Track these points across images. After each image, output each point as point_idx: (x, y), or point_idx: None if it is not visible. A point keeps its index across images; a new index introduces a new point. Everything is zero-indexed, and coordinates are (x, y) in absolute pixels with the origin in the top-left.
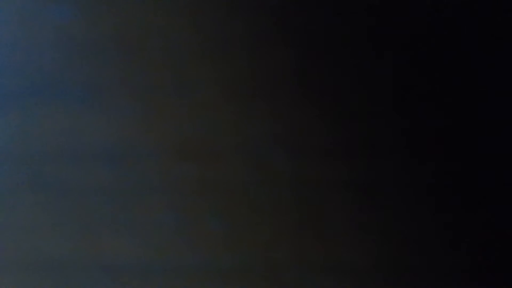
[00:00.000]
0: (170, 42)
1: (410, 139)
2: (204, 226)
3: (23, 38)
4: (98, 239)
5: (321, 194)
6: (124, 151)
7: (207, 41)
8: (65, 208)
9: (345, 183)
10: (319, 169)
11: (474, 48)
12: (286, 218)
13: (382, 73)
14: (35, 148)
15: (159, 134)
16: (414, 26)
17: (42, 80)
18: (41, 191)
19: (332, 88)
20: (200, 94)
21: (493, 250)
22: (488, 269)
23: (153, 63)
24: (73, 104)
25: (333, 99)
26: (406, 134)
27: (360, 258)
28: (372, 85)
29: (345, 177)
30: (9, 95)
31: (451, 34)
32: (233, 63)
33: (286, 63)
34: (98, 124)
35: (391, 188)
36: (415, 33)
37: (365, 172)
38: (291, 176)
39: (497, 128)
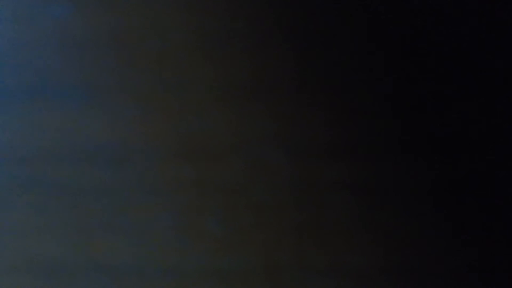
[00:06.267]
0: (169, 41)
1: (410, 140)
2: (203, 227)
3: (21, 37)
4: (96, 240)
5: (320, 194)
6: (123, 151)
7: (206, 41)
8: (63, 208)
9: (345, 183)
10: (319, 169)
11: (475, 48)
12: (286, 218)
13: (382, 73)
14: (32, 148)
15: (157, 134)
16: (415, 26)
17: (39, 80)
18: (39, 192)
19: (332, 88)
20: (199, 93)
21: (493, 250)
22: (488, 269)
23: (152, 63)
24: (71, 104)
25: (333, 99)
26: (406, 134)
27: (360, 259)
28: (372, 85)
29: (345, 177)
30: (7, 95)
31: (452, 34)
32: (232, 62)
33: (286, 63)
34: (96, 124)
35: (392, 189)
36: (417, 33)
37: (365, 172)
38: (291, 176)
39: (497, 128)
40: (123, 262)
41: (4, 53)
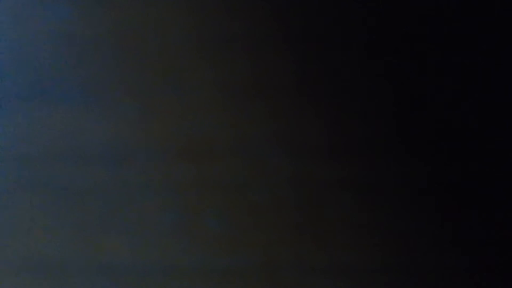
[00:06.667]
0: (169, 41)
1: (410, 139)
2: (203, 227)
3: (21, 38)
4: (97, 240)
5: (320, 194)
6: (123, 151)
7: (207, 41)
8: (63, 208)
9: (345, 183)
10: (319, 169)
11: (474, 48)
12: (285, 218)
13: (382, 73)
14: (33, 149)
15: (158, 134)
16: (415, 26)
17: (40, 80)
18: (40, 192)
19: (332, 88)
20: (199, 93)
21: (493, 250)
22: (488, 269)
23: (153, 63)
24: (71, 104)
25: (332, 99)
26: (406, 134)
27: (360, 259)
28: (372, 85)
29: (345, 177)
30: (7, 96)
31: (451, 34)
32: (233, 62)
33: (286, 63)
34: (97, 124)
35: (391, 188)
36: (416, 33)
37: (365, 172)
38: (291, 176)
39: (497, 128)
40: (124, 262)
41: (4, 53)
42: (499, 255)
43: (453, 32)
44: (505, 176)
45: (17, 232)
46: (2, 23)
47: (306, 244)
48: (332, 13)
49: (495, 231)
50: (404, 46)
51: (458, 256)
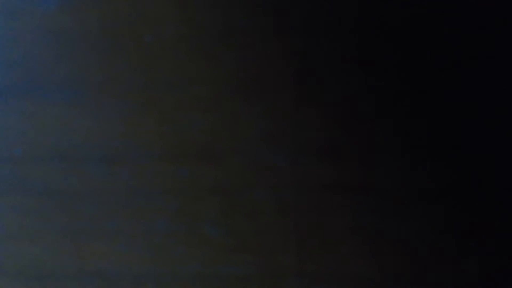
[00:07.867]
0: (163, 37)
1: (410, 141)
2: (200, 232)
3: (9, 33)
4: (87, 245)
5: (320, 196)
6: (115, 152)
7: (201, 36)
8: (52, 212)
9: (344, 185)
10: (318, 171)
11: (474, 48)
12: (285, 222)
13: (382, 73)
14: (20, 149)
15: (151, 134)
16: (415, 27)
17: (28, 77)
18: (27, 194)
19: (332, 88)
20: (196, 93)
21: (493, 253)
22: (488, 272)
23: (146, 60)
24: (60, 103)
25: (332, 99)
26: (406, 135)
27: (361, 263)
28: (371, 86)
29: (344, 179)
30: None
31: (451, 35)
32: (229, 60)
33: (286, 62)
34: (87, 124)
35: (391, 191)
36: (416, 33)
37: (365, 174)
38: (290, 178)
39: (497, 129)
40: (115, 268)
41: None
42: (501, 258)
43: (452, 32)
44: (506, 177)
45: (2, 236)
46: None
47: (305, 248)
48: (330, 10)
49: (497, 233)
50: (404, 46)
51: (460, 261)
